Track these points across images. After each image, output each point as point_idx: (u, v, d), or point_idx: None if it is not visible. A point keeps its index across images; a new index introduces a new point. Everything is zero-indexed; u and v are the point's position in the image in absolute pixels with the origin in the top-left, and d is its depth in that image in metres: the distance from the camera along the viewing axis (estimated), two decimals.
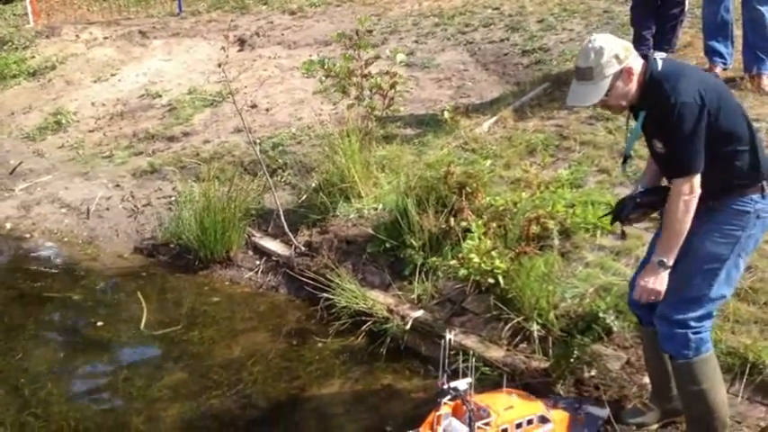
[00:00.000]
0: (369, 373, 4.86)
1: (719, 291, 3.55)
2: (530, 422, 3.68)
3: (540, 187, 5.66)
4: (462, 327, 4.93)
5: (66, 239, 7.00)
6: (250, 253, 6.32)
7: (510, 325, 4.71)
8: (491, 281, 4.87)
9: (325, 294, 5.39)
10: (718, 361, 4.05)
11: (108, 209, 7.28)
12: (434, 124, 7.19)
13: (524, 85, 7.77)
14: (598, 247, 5.09)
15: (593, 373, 4.25)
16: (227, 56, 6.06)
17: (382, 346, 4.98)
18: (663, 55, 3.57)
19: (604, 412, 3.97)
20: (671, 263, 3.51)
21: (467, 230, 5.22)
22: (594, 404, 4.05)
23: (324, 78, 6.93)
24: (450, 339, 3.74)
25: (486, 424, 3.57)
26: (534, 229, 5.08)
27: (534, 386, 4.30)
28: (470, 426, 3.50)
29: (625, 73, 3.44)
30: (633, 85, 3.46)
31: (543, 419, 3.73)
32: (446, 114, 6.92)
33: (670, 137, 3.40)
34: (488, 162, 5.99)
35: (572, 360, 4.27)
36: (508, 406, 3.69)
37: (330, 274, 5.47)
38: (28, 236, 7.08)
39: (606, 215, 4.02)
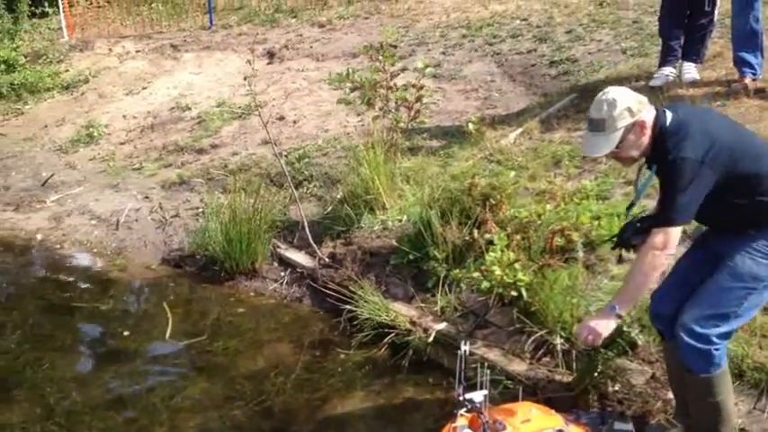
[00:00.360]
0: (391, 386, 4.85)
1: (749, 311, 3.54)
2: None
3: (565, 199, 5.61)
4: (485, 339, 4.90)
5: (95, 250, 7.08)
6: (275, 264, 6.34)
7: (533, 338, 4.68)
8: (514, 293, 4.84)
9: (348, 306, 5.39)
10: (745, 376, 4.02)
11: (137, 220, 7.35)
12: (460, 136, 7.18)
13: (551, 96, 7.74)
14: (625, 260, 5.02)
15: (617, 387, 4.20)
16: (253, 68, 6.12)
17: (404, 359, 4.97)
18: (680, 105, 3.66)
19: (628, 427, 3.91)
20: (624, 314, 3.59)
21: (490, 242, 5.20)
22: (619, 419, 3.99)
23: (349, 92, 6.94)
24: (465, 351, 3.71)
25: None
26: (558, 241, 5.04)
27: (557, 400, 4.26)
28: None
29: (637, 126, 3.48)
30: (645, 138, 3.51)
31: None
32: (471, 126, 6.90)
33: (665, 188, 3.47)
34: (513, 173, 5.95)
35: (596, 374, 4.23)
36: (525, 419, 3.64)
37: (353, 286, 5.48)
38: (58, 247, 7.17)
39: (609, 239, 4.04)
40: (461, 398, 3.55)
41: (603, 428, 3.87)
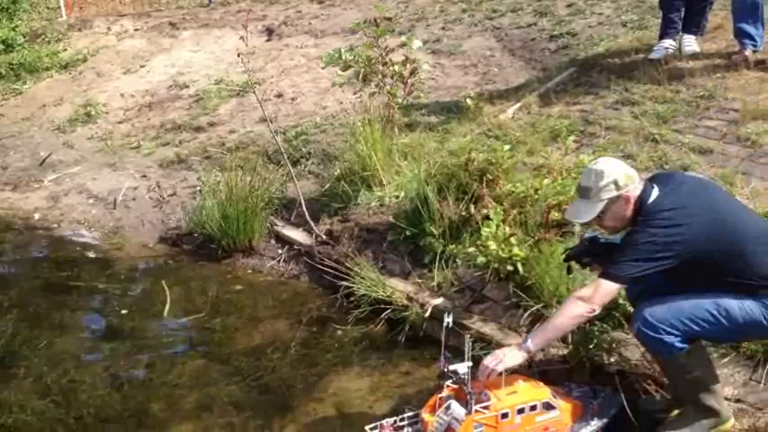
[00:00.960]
0: (388, 361, 4.86)
1: (698, 329, 3.53)
2: (533, 408, 3.66)
3: (563, 173, 5.57)
4: (482, 314, 4.89)
5: (93, 229, 7.08)
6: (272, 242, 6.34)
7: (529, 312, 4.66)
8: (510, 268, 4.82)
9: (345, 283, 5.38)
10: (740, 348, 4.01)
11: (134, 199, 7.34)
12: (458, 111, 7.14)
13: (550, 71, 7.69)
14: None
15: (612, 360, 4.19)
16: (247, 44, 6.06)
17: (401, 334, 4.97)
18: (672, 179, 3.70)
19: (620, 401, 3.91)
20: (534, 350, 3.70)
21: (487, 217, 5.17)
22: (611, 393, 3.99)
23: (341, 72, 6.89)
24: (449, 323, 3.76)
25: (486, 407, 3.58)
26: (555, 215, 5.01)
27: (552, 373, 4.26)
28: (468, 408, 3.53)
29: (622, 199, 3.59)
30: (628, 212, 3.62)
31: (548, 406, 3.69)
32: (469, 101, 6.85)
33: (621, 247, 3.57)
34: (510, 148, 5.91)
35: (591, 347, 4.20)
36: (512, 391, 3.68)
37: (350, 263, 5.47)
38: (56, 226, 7.16)
39: (566, 251, 4.13)
40: (445, 369, 3.61)
41: (595, 402, 3.86)
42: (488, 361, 3.69)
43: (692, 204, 3.55)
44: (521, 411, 3.63)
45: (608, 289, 3.55)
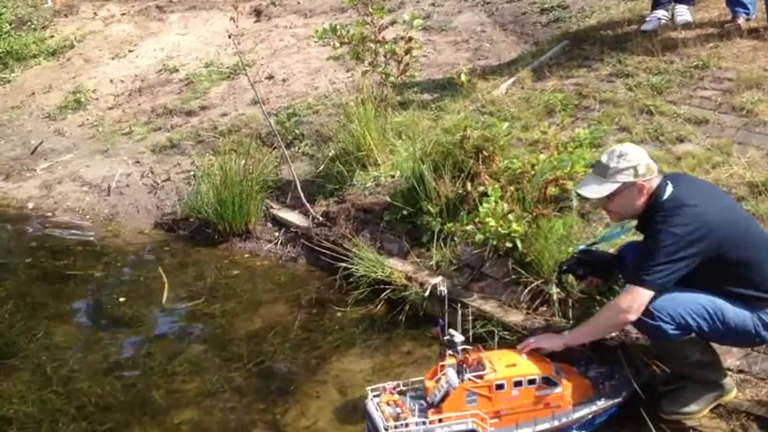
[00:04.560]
0: (388, 341, 4.86)
1: (692, 322, 3.54)
2: (531, 382, 3.66)
3: (559, 148, 5.55)
4: (481, 292, 4.89)
5: (87, 217, 7.04)
6: (269, 225, 6.32)
7: (529, 288, 4.67)
8: (509, 245, 4.81)
9: (343, 264, 5.37)
10: None
11: (128, 185, 7.29)
12: (451, 88, 7.08)
13: (543, 45, 7.63)
14: None
15: (613, 334, 4.17)
16: (237, 26, 6.00)
17: (401, 314, 4.97)
18: (684, 179, 3.76)
19: (633, 385, 3.88)
20: (569, 343, 3.80)
21: (484, 195, 5.15)
22: (629, 375, 3.93)
23: (338, 46, 6.82)
24: (442, 291, 3.89)
25: (479, 377, 3.61)
26: (552, 190, 5.00)
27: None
28: (459, 375, 3.59)
29: (636, 188, 3.57)
30: (639, 203, 3.61)
31: (549, 381, 3.68)
32: (462, 78, 6.80)
33: (646, 251, 3.56)
34: (505, 124, 5.88)
35: None
36: (511, 363, 3.69)
37: (348, 244, 5.46)
38: (50, 214, 7.12)
39: (559, 265, 4.23)
40: (441, 337, 3.69)
41: (607, 383, 3.85)
42: (530, 339, 3.83)
43: (708, 203, 3.57)
44: (518, 384, 3.64)
45: (645, 299, 3.50)
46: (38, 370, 4.79)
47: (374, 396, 3.78)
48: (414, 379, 3.87)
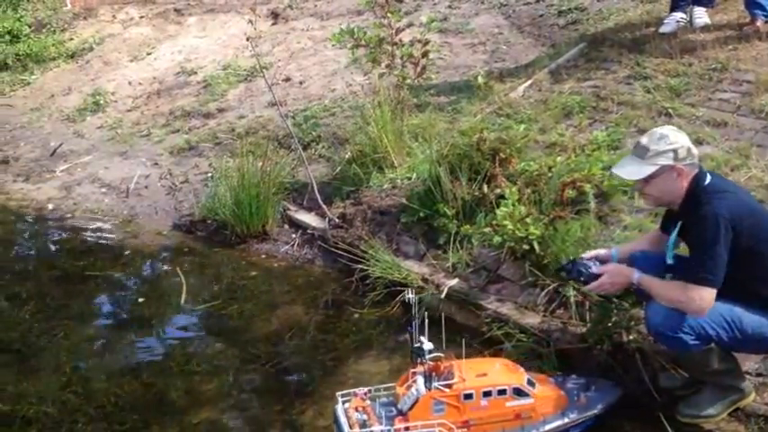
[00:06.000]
0: (405, 343, 4.79)
1: (711, 332, 3.52)
2: (501, 392, 3.62)
3: (576, 150, 5.54)
4: (498, 294, 4.88)
5: (106, 218, 7.10)
6: (286, 227, 6.35)
7: (546, 291, 4.66)
8: (526, 247, 4.80)
9: (359, 266, 5.39)
10: None
11: (147, 187, 7.35)
12: (468, 90, 7.09)
13: (560, 47, 7.61)
14: (636, 209, 4.98)
15: (631, 337, 4.16)
16: (255, 28, 6.03)
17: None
18: (720, 176, 3.75)
19: (615, 395, 3.88)
20: (635, 283, 3.69)
21: (501, 197, 5.14)
22: (610, 386, 3.94)
23: (355, 49, 6.84)
24: (410, 298, 3.75)
25: (448, 385, 3.59)
26: (569, 193, 4.98)
27: (571, 352, 4.25)
28: (426, 384, 3.57)
29: (674, 171, 3.52)
30: (678, 188, 3.55)
31: (520, 392, 3.64)
32: (479, 80, 6.80)
33: (696, 245, 3.50)
34: (522, 127, 5.87)
35: (609, 325, 4.19)
36: (482, 373, 3.67)
37: (364, 246, 5.48)
38: (69, 216, 7.18)
39: (560, 269, 4.18)
40: (414, 345, 3.63)
41: (582, 395, 3.82)
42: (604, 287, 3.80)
43: (744, 192, 3.62)
44: (487, 394, 3.61)
45: (711, 296, 3.43)
46: (57, 370, 4.83)
47: (344, 401, 3.78)
48: (386, 385, 3.86)
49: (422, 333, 3.62)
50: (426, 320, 3.62)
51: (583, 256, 4.01)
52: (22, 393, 4.61)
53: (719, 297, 3.48)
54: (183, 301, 5.63)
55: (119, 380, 4.72)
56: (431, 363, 3.61)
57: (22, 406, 4.49)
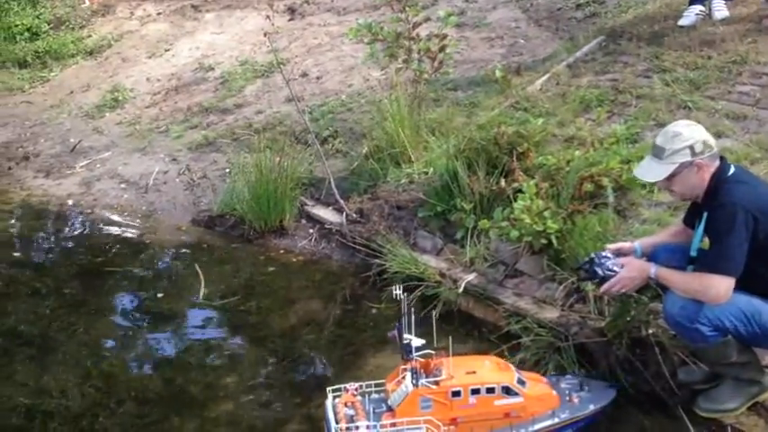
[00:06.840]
0: (422, 338, 4.83)
1: (728, 324, 3.50)
2: (490, 390, 3.62)
3: (594, 144, 5.51)
4: (516, 288, 4.88)
5: (126, 214, 7.13)
6: (303, 222, 6.35)
7: (564, 285, 4.64)
8: (544, 241, 4.78)
9: (377, 260, 5.39)
10: None
11: (165, 183, 7.38)
12: (486, 85, 7.08)
13: (578, 40, 7.57)
14: (655, 203, 4.95)
15: (650, 331, 4.14)
16: (273, 24, 6.04)
17: (435, 310, 4.95)
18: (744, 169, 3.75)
19: (609, 396, 3.88)
20: (653, 277, 3.68)
21: (518, 191, 5.13)
22: (604, 387, 3.94)
23: (372, 44, 6.83)
24: (398, 294, 3.76)
25: (435, 383, 3.59)
26: (587, 187, 4.96)
27: (589, 347, 4.24)
28: (413, 380, 3.58)
29: (695, 166, 3.51)
30: (701, 182, 3.54)
31: (509, 391, 3.64)
32: (497, 74, 6.78)
33: (713, 234, 3.47)
34: (540, 120, 5.85)
35: (628, 319, 4.17)
36: (471, 370, 3.66)
37: (382, 240, 5.48)
38: (89, 211, 7.22)
39: (578, 268, 4.14)
40: (405, 341, 3.63)
41: (575, 395, 3.80)
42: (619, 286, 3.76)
43: (764, 186, 3.60)
44: (476, 392, 3.60)
45: (728, 284, 3.44)
46: (78, 365, 4.87)
47: (334, 396, 3.79)
48: (377, 381, 3.86)
49: (410, 330, 3.64)
50: (414, 317, 3.63)
51: (606, 246, 3.99)
52: (42, 387, 4.65)
53: (739, 290, 3.45)
54: (201, 296, 5.66)
55: (138, 374, 4.78)
56: (419, 359, 3.61)
57: (42, 400, 4.53)
